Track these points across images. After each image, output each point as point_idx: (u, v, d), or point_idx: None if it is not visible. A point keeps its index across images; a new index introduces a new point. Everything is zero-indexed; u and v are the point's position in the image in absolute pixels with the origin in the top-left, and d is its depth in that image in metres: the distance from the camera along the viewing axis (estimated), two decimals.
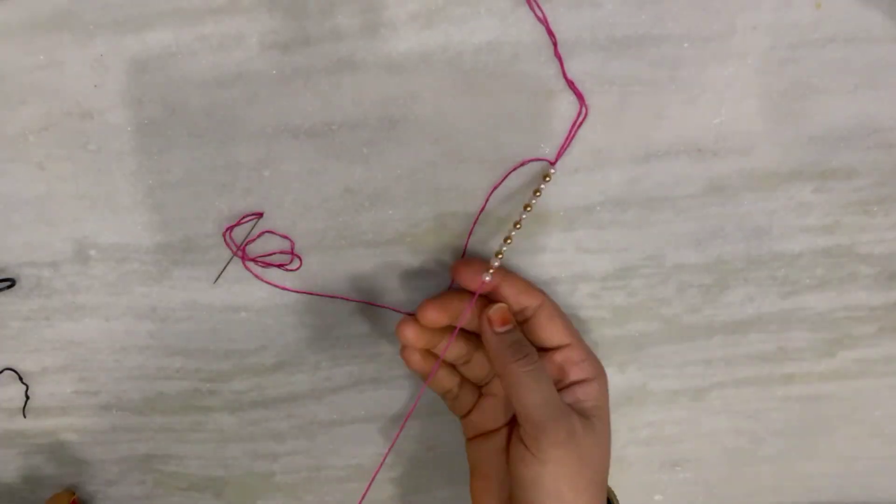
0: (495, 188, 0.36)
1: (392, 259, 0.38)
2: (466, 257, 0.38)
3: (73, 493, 0.35)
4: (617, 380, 0.42)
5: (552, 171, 0.35)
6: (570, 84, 0.34)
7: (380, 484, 0.46)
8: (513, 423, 0.36)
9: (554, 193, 0.36)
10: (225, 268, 0.34)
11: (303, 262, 0.38)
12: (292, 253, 0.38)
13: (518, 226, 0.35)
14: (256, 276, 0.38)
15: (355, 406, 0.43)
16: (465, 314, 0.35)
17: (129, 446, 0.44)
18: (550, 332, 0.35)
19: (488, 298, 0.35)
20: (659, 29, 0.33)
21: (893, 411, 0.44)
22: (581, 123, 0.35)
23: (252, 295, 0.39)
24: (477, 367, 0.37)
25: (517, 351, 0.33)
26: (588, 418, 0.33)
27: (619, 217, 0.37)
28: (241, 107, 0.35)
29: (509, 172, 0.36)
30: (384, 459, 0.41)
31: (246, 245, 0.37)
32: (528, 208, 0.35)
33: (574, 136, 0.35)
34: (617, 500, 0.37)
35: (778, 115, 0.35)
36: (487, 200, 0.36)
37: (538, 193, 0.35)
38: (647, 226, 0.38)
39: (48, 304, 0.39)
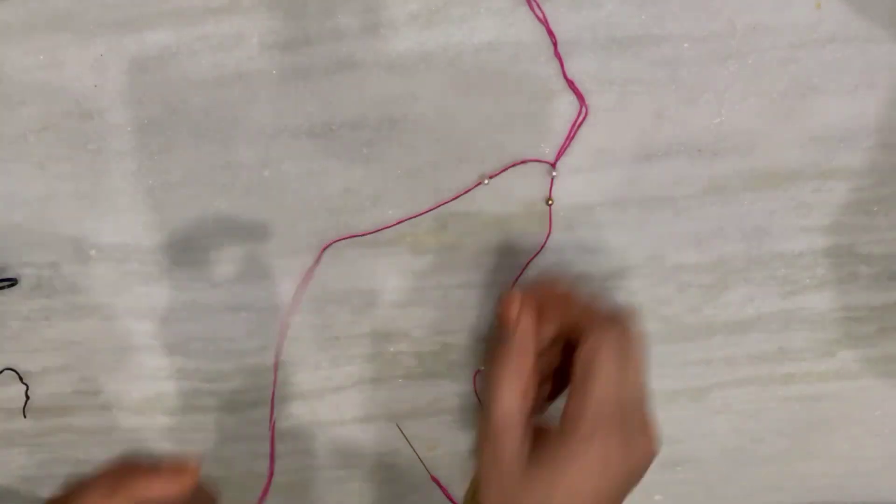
0: (493, 176, 0.36)
1: (392, 259, 0.38)
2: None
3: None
4: None
5: (554, 173, 0.35)
6: (570, 84, 0.34)
7: (380, 484, 0.46)
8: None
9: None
10: None
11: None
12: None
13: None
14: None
15: (355, 406, 0.43)
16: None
17: (129, 446, 0.44)
18: None
19: None
20: (659, 29, 0.33)
21: (893, 411, 0.44)
22: (581, 123, 0.35)
23: (252, 295, 0.39)
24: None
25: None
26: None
27: (619, 217, 0.37)
28: (241, 107, 0.35)
29: (507, 167, 0.36)
30: None
31: None
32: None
33: (574, 136, 0.35)
34: None
35: (778, 115, 0.35)
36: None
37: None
38: (647, 226, 0.38)
39: (48, 304, 0.39)
